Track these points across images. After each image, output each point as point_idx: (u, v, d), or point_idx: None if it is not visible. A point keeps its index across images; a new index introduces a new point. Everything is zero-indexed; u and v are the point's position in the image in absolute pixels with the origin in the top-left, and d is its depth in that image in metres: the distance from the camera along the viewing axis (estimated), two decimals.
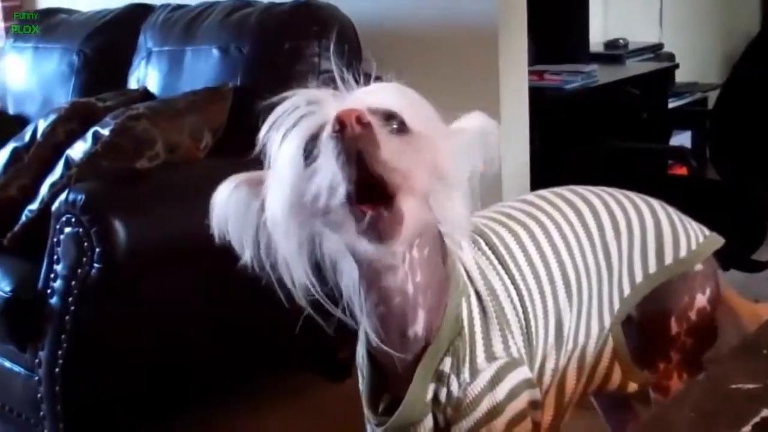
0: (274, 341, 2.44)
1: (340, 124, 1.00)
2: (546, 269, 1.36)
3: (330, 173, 1.03)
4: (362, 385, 1.33)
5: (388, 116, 1.06)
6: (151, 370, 2.28)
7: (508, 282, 1.32)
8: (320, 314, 1.20)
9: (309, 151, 1.06)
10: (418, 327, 1.21)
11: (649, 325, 1.50)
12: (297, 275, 1.14)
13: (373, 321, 1.21)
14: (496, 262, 1.32)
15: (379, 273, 1.16)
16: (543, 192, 1.49)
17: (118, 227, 2.07)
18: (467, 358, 1.24)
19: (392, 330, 1.22)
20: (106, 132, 2.29)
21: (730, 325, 1.58)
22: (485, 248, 1.33)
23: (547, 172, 3.15)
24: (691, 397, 0.80)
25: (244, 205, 1.15)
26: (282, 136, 1.09)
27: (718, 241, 1.54)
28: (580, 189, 1.50)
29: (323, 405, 2.63)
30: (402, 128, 1.06)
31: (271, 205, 1.10)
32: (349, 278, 1.20)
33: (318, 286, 1.16)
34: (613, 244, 1.43)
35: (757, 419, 0.76)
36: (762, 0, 5.99)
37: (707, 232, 1.54)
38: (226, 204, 1.15)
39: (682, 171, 3.57)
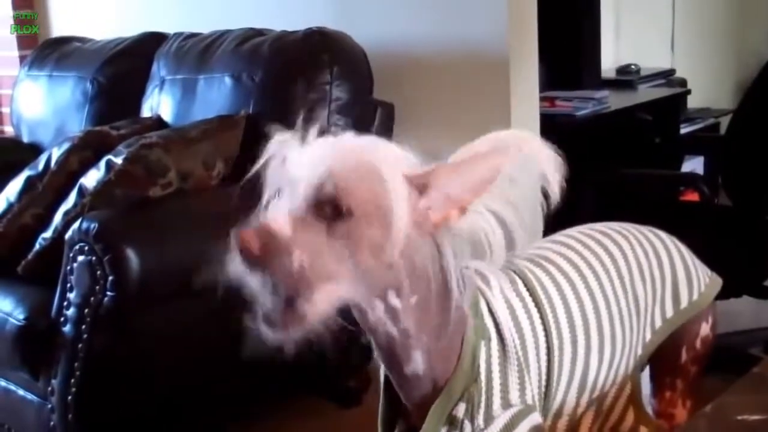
0: (286, 367, 2.44)
1: (242, 245, 1.04)
2: (582, 318, 1.35)
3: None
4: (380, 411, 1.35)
5: (322, 202, 1.08)
6: (162, 397, 2.29)
7: (539, 327, 1.30)
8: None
9: None
10: (417, 367, 1.21)
11: (660, 357, 1.51)
12: None
13: (377, 353, 1.24)
14: (532, 305, 1.31)
15: (362, 313, 1.18)
16: (575, 233, 1.47)
17: (131, 255, 2.08)
18: (482, 404, 1.24)
19: (390, 366, 1.24)
20: (119, 160, 2.31)
21: None
22: (522, 290, 1.31)
23: (560, 198, 3.14)
24: (698, 429, 0.80)
25: None
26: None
27: (719, 281, 1.56)
28: (608, 229, 1.48)
29: (333, 430, 2.63)
30: (336, 214, 1.08)
31: None
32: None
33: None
34: (640, 291, 1.43)
35: None
36: None
37: (709, 271, 1.56)
38: None
39: (694, 197, 3.56)
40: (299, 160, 1.09)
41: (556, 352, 1.30)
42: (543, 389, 1.30)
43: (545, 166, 1.16)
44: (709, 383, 1.54)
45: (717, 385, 1.50)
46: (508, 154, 1.14)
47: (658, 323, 1.47)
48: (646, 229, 1.52)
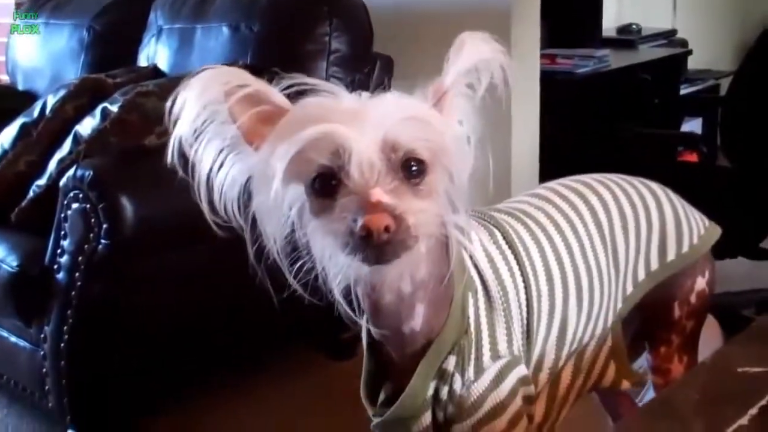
0: (280, 319, 2.44)
1: (367, 231, 0.99)
2: (560, 270, 1.33)
3: (342, 235, 1.01)
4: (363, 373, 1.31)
5: (407, 159, 1.04)
6: (156, 346, 2.28)
7: (519, 278, 1.29)
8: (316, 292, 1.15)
9: (320, 185, 1.04)
10: (416, 323, 1.19)
11: (652, 311, 1.50)
12: (275, 240, 1.10)
13: (367, 313, 1.19)
14: (511, 257, 1.29)
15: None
16: (555, 185, 1.44)
17: (126, 203, 2.07)
18: (472, 356, 1.22)
19: (385, 325, 1.20)
20: (115, 108, 2.29)
21: None
22: (502, 242, 1.29)
23: (556, 155, 3.14)
24: (698, 380, 0.79)
25: (223, 125, 1.07)
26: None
27: (717, 231, 1.53)
28: (591, 181, 1.46)
29: (326, 383, 2.63)
30: (419, 170, 1.05)
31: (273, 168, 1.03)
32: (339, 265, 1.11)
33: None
34: (621, 243, 1.41)
35: (763, 402, 0.75)
36: None
37: (707, 222, 1.53)
38: (202, 109, 1.06)
39: (693, 158, 3.55)
40: (354, 129, 1.01)
41: (535, 304, 1.29)
42: (524, 341, 1.29)
43: (491, 64, 1.09)
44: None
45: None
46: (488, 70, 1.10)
47: (642, 276, 1.45)
48: (636, 180, 1.49)
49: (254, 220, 1.10)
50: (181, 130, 1.07)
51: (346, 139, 1.00)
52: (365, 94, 1.07)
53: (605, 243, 1.39)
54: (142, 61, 3.05)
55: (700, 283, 1.51)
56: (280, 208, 1.09)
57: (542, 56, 3.08)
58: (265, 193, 1.05)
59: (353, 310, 1.18)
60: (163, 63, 2.95)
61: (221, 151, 1.08)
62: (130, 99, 2.29)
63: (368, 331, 1.24)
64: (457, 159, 1.09)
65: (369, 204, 0.99)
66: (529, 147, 2.89)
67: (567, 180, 1.47)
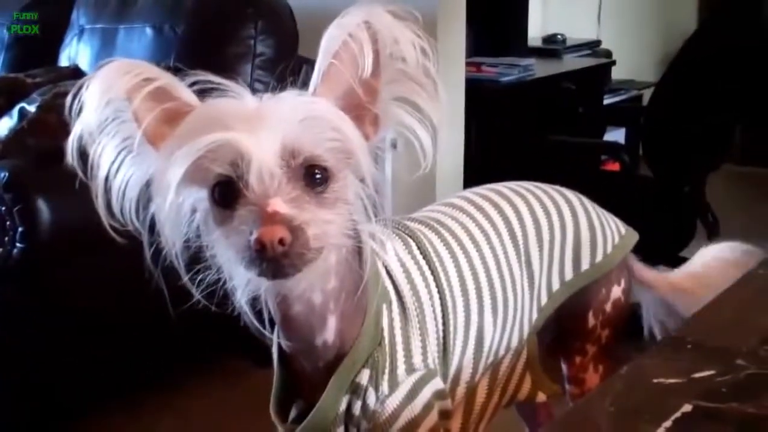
0: (205, 325, 2.41)
1: (261, 245, 0.94)
2: (475, 282, 1.31)
3: (239, 248, 0.97)
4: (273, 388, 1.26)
5: (310, 166, 1.00)
6: (75, 352, 2.24)
7: (434, 290, 1.26)
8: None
9: (222, 193, 0.99)
10: (328, 335, 1.15)
11: (567, 321, 1.48)
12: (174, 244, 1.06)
13: (277, 325, 1.15)
14: (426, 268, 1.26)
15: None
16: (471, 195, 1.43)
17: (42, 206, 2.03)
18: (387, 370, 1.18)
19: (296, 337, 1.16)
20: (32, 108, 2.24)
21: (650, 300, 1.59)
22: (416, 252, 1.27)
23: (481, 163, 3.15)
24: (613, 390, 0.79)
25: (120, 120, 1.03)
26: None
27: (633, 237, 1.53)
28: (506, 190, 1.44)
29: (252, 389, 2.60)
30: (323, 178, 1.01)
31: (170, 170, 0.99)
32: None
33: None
34: (535, 254, 1.39)
35: (678, 414, 0.75)
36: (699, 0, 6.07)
37: (623, 229, 1.52)
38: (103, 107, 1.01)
39: (616, 167, 3.59)
40: (252, 135, 0.97)
41: (450, 317, 1.27)
42: (441, 353, 1.26)
43: (400, 45, 1.01)
44: (622, 351, 1.52)
45: (629, 353, 1.52)
46: (374, 40, 1.03)
47: (556, 286, 1.43)
48: (551, 189, 1.48)
49: (154, 224, 1.05)
50: (81, 127, 1.02)
51: (244, 147, 0.96)
52: (267, 95, 1.03)
53: (519, 254, 1.38)
54: (64, 61, 3.00)
55: (616, 291, 1.50)
56: (179, 213, 1.05)
57: (468, 64, 3.10)
58: (164, 198, 1.01)
59: (262, 321, 1.14)
60: (85, 63, 2.91)
61: (121, 150, 1.04)
62: (48, 99, 2.25)
63: (279, 344, 1.20)
64: (366, 161, 1.04)
65: (265, 215, 0.95)
66: (453, 155, 2.90)
67: (483, 189, 1.45)
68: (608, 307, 1.49)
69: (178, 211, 1.04)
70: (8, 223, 2.04)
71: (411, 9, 1.05)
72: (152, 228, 1.06)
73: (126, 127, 1.03)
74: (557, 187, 1.50)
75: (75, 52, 2.96)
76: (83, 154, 1.05)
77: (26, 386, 2.20)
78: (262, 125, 0.97)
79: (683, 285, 1.57)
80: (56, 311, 2.16)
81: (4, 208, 2.04)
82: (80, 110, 1.02)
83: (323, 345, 1.16)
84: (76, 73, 2.82)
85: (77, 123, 1.02)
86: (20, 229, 2.03)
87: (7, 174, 2.04)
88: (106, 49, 2.87)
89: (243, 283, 1.05)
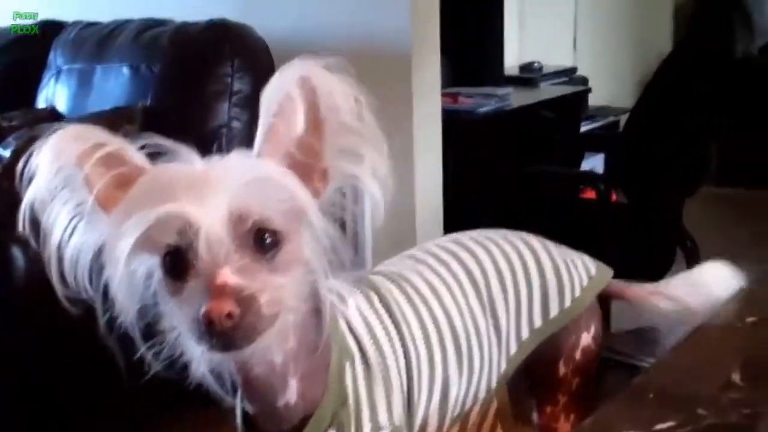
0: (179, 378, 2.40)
1: (208, 320, 0.93)
2: (437, 335, 1.30)
3: (189, 322, 0.97)
4: None
5: (259, 230, 0.99)
6: (51, 399, 2.22)
7: (397, 344, 1.25)
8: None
9: (173, 264, 0.99)
10: (290, 396, 1.14)
11: (537, 370, 1.47)
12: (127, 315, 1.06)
13: (240, 388, 1.14)
14: (389, 322, 1.26)
15: None
16: (432, 247, 1.42)
17: (17, 253, 2.02)
18: (352, 429, 1.18)
19: (259, 400, 1.16)
20: (7, 153, 2.24)
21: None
22: (378, 306, 1.26)
23: (461, 195, 3.16)
24: None
25: (75, 187, 1.03)
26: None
27: (605, 276, 1.50)
28: (468, 241, 1.44)
29: None
30: (273, 242, 1.00)
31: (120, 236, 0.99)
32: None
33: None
34: (500, 304, 1.38)
35: None
36: (674, 25, 6.12)
37: (593, 268, 1.50)
38: (52, 176, 1.02)
39: (593, 194, 3.61)
40: (199, 203, 0.96)
41: (414, 370, 1.26)
42: (406, 408, 1.25)
43: (336, 97, 1.00)
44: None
45: (609, 387, 1.51)
46: (313, 91, 1.02)
47: (525, 335, 1.42)
48: (515, 237, 1.47)
49: (106, 290, 1.05)
50: (33, 195, 1.03)
51: (191, 216, 0.96)
52: (215, 158, 1.03)
53: (483, 305, 1.37)
54: (41, 102, 3.01)
55: (585, 338, 1.48)
56: (132, 281, 1.04)
57: (444, 95, 3.11)
58: (115, 267, 1.00)
59: (222, 385, 1.13)
60: (62, 104, 2.91)
61: (74, 217, 1.04)
62: (23, 144, 2.25)
63: (242, 407, 1.20)
64: (318, 218, 1.03)
65: (214, 288, 0.94)
66: (432, 188, 2.91)
67: (444, 241, 1.45)
68: (578, 354, 1.47)
69: (132, 279, 1.03)
70: None
71: (344, 59, 1.05)
72: (107, 295, 1.05)
73: (78, 194, 1.04)
74: (521, 234, 1.49)
75: (52, 92, 2.97)
76: (35, 222, 1.05)
77: (25, 387, 2.19)
78: (209, 192, 0.97)
79: (677, 292, 1.52)
80: (33, 359, 2.15)
81: None
82: (31, 177, 1.03)
83: (285, 406, 1.15)
84: (53, 115, 2.82)
85: (29, 190, 1.03)
86: None
87: None
88: (83, 89, 2.88)
89: (198, 354, 1.04)
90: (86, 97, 2.84)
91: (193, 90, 2.63)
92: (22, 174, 1.03)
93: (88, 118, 2.53)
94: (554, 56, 4.83)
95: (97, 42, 2.93)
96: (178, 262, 0.98)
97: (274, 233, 1.00)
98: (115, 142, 1.04)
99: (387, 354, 1.24)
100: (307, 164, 1.05)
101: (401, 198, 1.08)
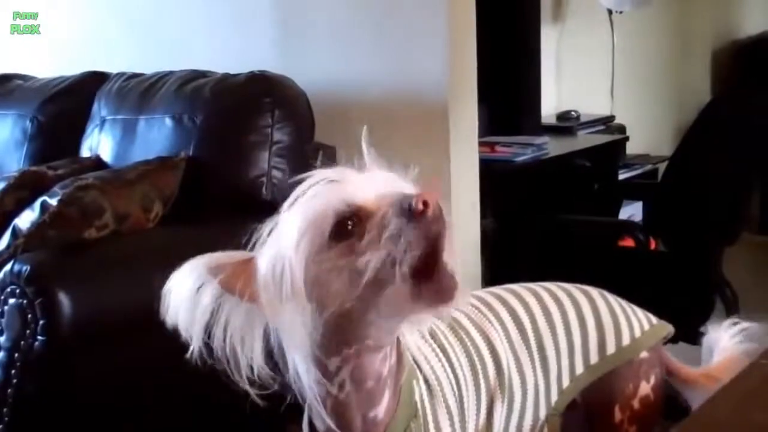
0: (226, 416, 2.41)
1: (424, 204, 1.05)
2: (480, 362, 1.37)
3: (392, 249, 1.06)
4: None
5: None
6: None
7: (448, 369, 1.32)
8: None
9: (337, 232, 1.10)
10: (381, 409, 1.22)
11: (593, 412, 1.51)
12: (251, 363, 1.16)
13: (332, 405, 1.21)
14: (438, 349, 1.33)
15: (367, 353, 1.18)
16: (477, 292, 1.50)
17: (63, 299, 2.05)
18: None
19: (354, 414, 1.22)
20: (54, 202, 2.28)
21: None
22: (427, 336, 1.33)
23: (497, 243, 3.17)
24: None
25: (194, 289, 1.16)
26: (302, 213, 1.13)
27: (666, 329, 1.55)
28: (516, 287, 1.52)
29: None
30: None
31: (274, 281, 1.13)
32: (298, 367, 1.20)
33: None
34: (548, 339, 1.44)
35: None
36: (712, 72, 6.12)
37: (654, 320, 1.55)
38: (181, 291, 1.16)
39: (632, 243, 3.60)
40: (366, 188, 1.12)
41: (464, 393, 1.33)
42: (462, 428, 1.32)
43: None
44: None
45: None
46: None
47: (579, 370, 1.47)
48: (569, 285, 1.54)
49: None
50: (189, 322, 1.16)
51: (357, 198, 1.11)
52: None
53: (526, 338, 1.43)
54: (85, 152, 3.05)
55: (645, 388, 1.51)
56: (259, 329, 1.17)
57: (481, 144, 3.13)
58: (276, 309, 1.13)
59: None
60: (106, 154, 2.96)
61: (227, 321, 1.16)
62: (69, 192, 2.29)
63: (312, 427, 1.26)
64: None
65: (416, 196, 1.06)
66: (471, 237, 2.92)
67: (493, 288, 1.52)
68: (635, 403, 1.50)
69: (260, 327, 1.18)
70: (30, 316, 2.07)
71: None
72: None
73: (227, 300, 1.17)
74: (578, 285, 1.55)
75: (96, 142, 3.02)
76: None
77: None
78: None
79: (719, 376, 1.57)
80: (78, 406, 2.17)
81: (25, 301, 2.07)
82: (177, 308, 1.16)
83: (374, 419, 1.23)
84: (97, 164, 2.87)
85: (184, 318, 1.16)
86: (42, 321, 2.06)
87: (28, 267, 2.08)
88: (126, 139, 2.92)
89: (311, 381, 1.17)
90: (130, 146, 2.88)
91: (234, 140, 2.68)
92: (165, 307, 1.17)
93: (132, 167, 2.57)
94: (591, 105, 4.84)
95: (140, 93, 2.98)
96: (344, 227, 1.11)
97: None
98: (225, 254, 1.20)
99: (441, 377, 1.31)
100: None
101: None
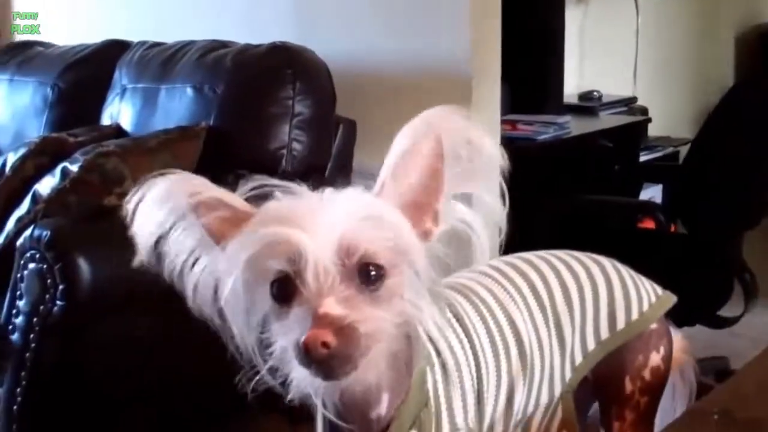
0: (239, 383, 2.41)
1: (305, 347, 0.99)
2: (503, 342, 1.35)
3: (292, 346, 1.02)
4: None
5: (365, 264, 1.04)
6: (112, 411, 2.25)
7: (468, 351, 1.30)
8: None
9: (280, 289, 1.05)
10: (382, 409, 1.19)
11: (604, 385, 1.50)
12: (243, 335, 1.12)
13: (332, 405, 1.18)
14: (460, 330, 1.30)
15: None
16: (496, 263, 1.46)
17: (83, 264, 2.06)
18: (433, 430, 1.23)
19: (353, 414, 1.19)
20: (75, 168, 2.29)
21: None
22: (451, 316, 1.30)
23: (517, 222, 3.15)
24: None
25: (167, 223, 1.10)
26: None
27: (671, 299, 1.54)
28: (533, 257, 1.48)
29: None
30: (378, 275, 1.05)
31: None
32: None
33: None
34: (564, 316, 1.42)
35: None
36: (736, 56, 6.07)
37: (660, 291, 1.54)
38: (162, 213, 1.10)
39: (652, 224, 3.59)
40: (309, 232, 1.02)
41: (483, 376, 1.31)
42: (477, 413, 1.29)
43: (473, 141, 1.08)
44: None
45: None
46: (439, 139, 1.09)
47: (591, 346, 1.45)
48: (582, 254, 1.51)
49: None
50: (145, 235, 1.10)
51: (301, 243, 1.01)
52: (328, 191, 1.08)
53: (546, 315, 1.41)
54: (106, 120, 3.05)
55: (655, 358, 1.50)
56: (245, 309, 1.10)
57: (503, 122, 3.11)
58: (230, 295, 1.07)
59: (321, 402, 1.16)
60: (127, 122, 2.96)
61: (191, 252, 1.11)
62: (90, 159, 2.29)
63: (324, 417, 1.23)
64: (422, 262, 1.08)
65: (316, 317, 0.99)
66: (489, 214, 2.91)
67: (509, 257, 1.48)
68: (646, 374, 1.50)
69: (246, 305, 1.09)
70: (49, 281, 2.08)
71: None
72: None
73: (190, 232, 1.11)
74: (589, 253, 1.52)
75: (117, 110, 3.02)
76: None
77: (86, 397, 2.20)
78: (320, 223, 1.03)
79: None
80: (96, 370, 2.18)
81: (45, 267, 2.08)
82: (143, 217, 1.10)
83: (377, 418, 1.20)
84: (118, 132, 2.87)
85: (141, 228, 1.11)
86: (61, 287, 2.07)
87: (48, 233, 2.08)
88: (147, 108, 2.92)
89: (300, 376, 1.07)
90: (151, 115, 2.88)
91: (255, 112, 2.67)
92: (132, 213, 1.11)
93: (153, 135, 2.57)
94: (614, 85, 4.81)
95: (161, 62, 2.97)
96: (285, 288, 1.04)
97: (379, 267, 1.05)
98: (219, 191, 1.12)
99: (461, 360, 1.28)
100: (423, 205, 1.11)
101: (458, 225, 1.11)
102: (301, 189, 1.08)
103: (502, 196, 1.14)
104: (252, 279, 1.06)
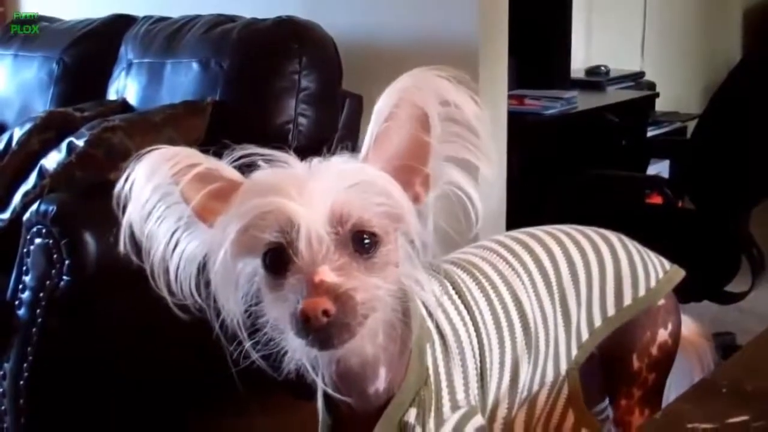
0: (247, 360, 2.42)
1: (305, 316, 0.97)
2: (507, 319, 1.33)
3: (288, 317, 1.01)
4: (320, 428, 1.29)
5: (358, 232, 1.03)
6: (118, 385, 2.26)
7: (470, 327, 1.29)
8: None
9: (273, 260, 1.03)
10: (380, 384, 1.18)
11: (611, 362, 1.48)
12: (230, 309, 1.11)
13: (328, 377, 1.17)
14: (462, 307, 1.29)
15: None
16: (502, 238, 1.45)
17: (89, 239, 2.05)
18: (433, 407, 1.21)
19: (350, 388, 1.19)
20: (80, 143, 2.28)
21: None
22: (452, 292, 1.30)
23: (524, 197, 3.15)
24: None
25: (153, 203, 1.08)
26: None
27: (679, 274, 1.52)
28: (539, 232, 1.46)
29: (299, 423, 2.60)
30: (372, 243, 1.04)
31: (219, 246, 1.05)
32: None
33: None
34: (570, 291, 1.41)
35: None
36: (744, 31, 6.04)
37: (668, 265, 1.52)
38: (149, 190, 1.08)
39: (659, 200, 3.58)
40: (301, 202, 1.01)
41: (486, 352, 1.29)
42: (479, 389, 1.29)
43: (457, 102, 1.03)
44: None
45: None
46: (425, 102, 1.05)
47: (598, 322, 1.44)
48: (590, 229, 1.49)
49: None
50: (131, 215, 1.08)
51: (293, 213, 1.00)
52: (315, 161, 1.06)
53: (551, 291, 1.39)
54: (112, 95, 3.04)
55: (662, 335, 1.48)
56: (235, 282, 1.09)
57: (510, 97, 3.10)
58: (217, 266, 1.05)
59: (316, 374, 1.15)
60: (132, 97, 2.95)
61: (175, 231, 1.09)
62: (96, 134, 2.29)
63: (324, 391, 1.23)
64: (415, 224, 1.07)
65: (312, 285, 0.98)
66: (496, 188, 2.90)
67: (515, 232, 1.47)
68: (654, 350, 1.48)
69: (236, 279, 1.09)
70: (55, 256, 2.08)
71: (453, 70, 1.07)
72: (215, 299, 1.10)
73: (176, 209, 1.09)
74: (597, 228, 1.51)
75: (123, 85, 3.01)
76: (135, 240, 1.10)
77: (67, 421, 2.21)
78: (311, 192, 1.01)
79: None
80: (102, 345, 2.18)
81: (51, 241, 2.08)
82: (127, 198, 1.08)
83: (375, 393, 1.19)
84: (124, 107, 2.87)
85: (127, 209, 1.08)
86: (67, 262, 2.07)
87: (54, 207, 2.08)
88: (153, 83, 2.91)
89: (295, 347, 1.07)
90: (156, 90, 2.87)
91: (261, 86, 2.66)
92: (119, 196, 1.09)
93: (159, 110, 2.57)
94: (621, 60, 4.79)
95: (167, 37, 2.96)
96: (278, 259, 1.02)
97: (373, 235, 1.04)
98: (208, 161, 1.09)
99: (462, 337, 1.27)
100: (411, 169, 1.09)
101: (463, 199, 1.10)
102: (288, 157, 1.07)
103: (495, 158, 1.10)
104: (243, 251, 1.05)
